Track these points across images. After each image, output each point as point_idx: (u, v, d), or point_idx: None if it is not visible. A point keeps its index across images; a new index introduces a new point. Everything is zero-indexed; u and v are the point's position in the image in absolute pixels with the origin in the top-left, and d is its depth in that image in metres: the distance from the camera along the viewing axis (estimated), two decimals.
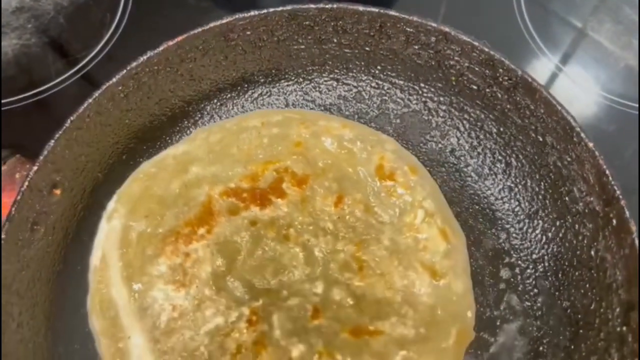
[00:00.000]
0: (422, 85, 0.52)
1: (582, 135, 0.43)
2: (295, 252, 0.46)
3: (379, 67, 0.52)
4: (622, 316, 0.40)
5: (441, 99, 0.52)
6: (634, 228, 0.39)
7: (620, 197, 0.40)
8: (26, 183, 0.43)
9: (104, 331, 0.45)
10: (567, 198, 0.46)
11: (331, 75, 0.54)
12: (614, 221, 0.41)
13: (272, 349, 0.42)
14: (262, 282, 0.45)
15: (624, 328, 0.40)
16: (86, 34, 0.63)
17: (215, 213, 0.47)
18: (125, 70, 0.47)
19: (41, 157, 0.44)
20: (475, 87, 0.49)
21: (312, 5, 0.49)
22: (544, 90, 0.44)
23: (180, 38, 0.48)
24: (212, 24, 0.48)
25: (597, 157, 0.42)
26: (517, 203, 0.49)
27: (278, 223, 0.47)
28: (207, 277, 0.45)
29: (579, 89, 0.63)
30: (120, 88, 0.47)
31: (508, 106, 0.48)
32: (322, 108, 0.54)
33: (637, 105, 0.61)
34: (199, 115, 0.53)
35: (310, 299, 0.44)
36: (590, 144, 0.42)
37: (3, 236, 0.42)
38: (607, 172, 0.41)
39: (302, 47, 0.52)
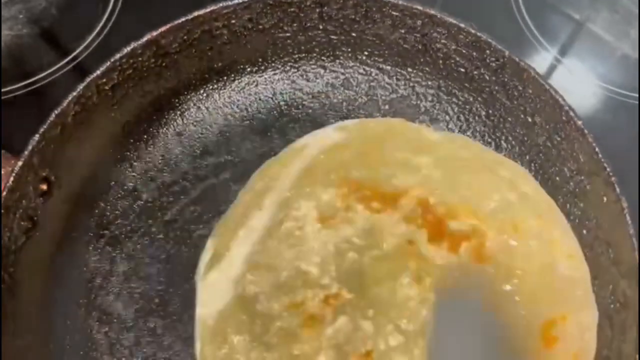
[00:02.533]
0: (409, 70, 0.52)
1: (571, 113, 0.43)
2: None
3: (366, 53, 0.52)
4: (615, 293, 0.40)
5: (429, 83, 0.52)
6: (624, 204, 0.39)
7: (611, 174, 0.40)
8: (11, 179, 0.43)
9: None
10: (557, 178, 0.46)
11: (318, 63, 0.53)
12: (605, 199, 0.41)
13: None
14: None
15: (617, 304, 0.40)
16: (78, 24, 0.62)
17: None
18: (109, 63, 0.46)
19: (26, 152, 0.44)
20: (462, 69, 0.49)
21: None
22: (531, 70, 0.44)
23: (163, 28, 0.47)
24: (195, 13, 0.48)
25: (587, 135, 0.42)
26: None
27: None
28: None
29: (577, 80, 0.63)
30: (104, 81, 0.47)
31: (496, 88, 0.48)
32: (310, 96, 0.54)
33: (635, 95, 0.61)
34: (186, 107, 0.53)
35: None
36: (579, 122, 0.42)
37: None
38: (597, 149, 0.41)
39: (288, 34, 0.51)
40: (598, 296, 0.41)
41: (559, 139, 0.45)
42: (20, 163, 0.43)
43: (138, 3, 0.64)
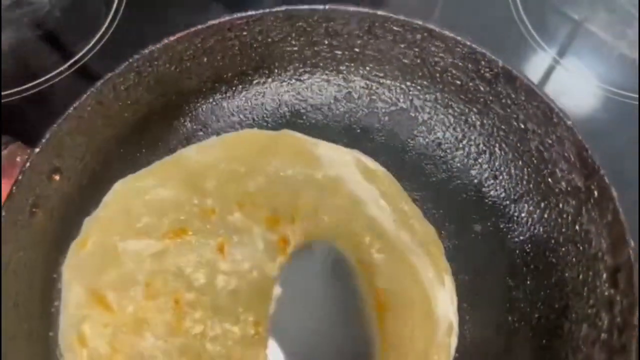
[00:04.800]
0: (408, 84, 0.55)
1: (561, 114, 0.46)
2: None
3: (367, 68, 0.56)
4: (609, 280, 0.42)
5: (427, 96, 0.55)
6: (614, 194, 0.42)
7: (600, 168, 0.43)
8: (28, 164, 0.44)
9: None
10: (549, 179, 0.48)
11: (323, 77, 0.57)
12: (596, 193, 0.44)
13: None
14: None
15: (612, 291, 0.41)
16: (82, 27, 0.65)
17: None
18: (127, 62, 0.49)
19: (43, 140, 0.45)
20: (458, 82, 0.52)
21: (305, 7, 0.52)
22: (524, 78, 0.48)
23: (180, 34, 0.50)
24: (210, 22, 0.51)
25: (576, 134, 0.45)
26: (502, 190, 0.52)
27: None
28: None
29: (575, 81, 0.65)
30: (121, 80, 0.49)
31: (490, 98, 0.51)
32: (314, 108, 0.57)
33: (634, 95, 0.63)
34: (195, 113, 0.55)
35: None
36: (569, 122, 0.45)
37: (3, 214, 0.42)
38: (586, 146, 0.44)
39: (295, 49, 0.55)
40: (593, 286, 0.43)
41: (550, 142, 0.47)
42: (37, 150, 0.45)
43: (140, 6, 0.67)
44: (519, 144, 0.50)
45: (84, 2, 0.66)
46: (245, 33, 0.53)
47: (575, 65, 0.67)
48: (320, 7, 0.52)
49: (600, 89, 0.65)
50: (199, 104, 0.55)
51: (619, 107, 0.63)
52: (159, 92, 0.52)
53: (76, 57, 0.63)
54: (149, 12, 0.67)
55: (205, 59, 0.53)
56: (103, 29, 0.64)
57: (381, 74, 0.55)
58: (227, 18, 0.51)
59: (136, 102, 0.51)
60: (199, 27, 0.51)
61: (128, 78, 0.50)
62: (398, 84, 0.55)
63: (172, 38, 0.50)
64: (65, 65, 0.62)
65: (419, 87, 0.55)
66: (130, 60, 0.49)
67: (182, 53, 0.51)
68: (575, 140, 0.45)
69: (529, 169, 0.50)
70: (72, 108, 0.47)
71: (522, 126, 0.50)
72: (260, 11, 0.52)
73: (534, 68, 0.46)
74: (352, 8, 0.51)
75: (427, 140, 0.55)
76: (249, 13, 0.51)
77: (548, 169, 0.48)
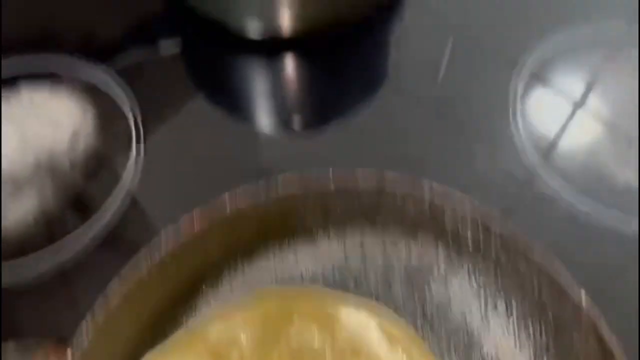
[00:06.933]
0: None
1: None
2: None
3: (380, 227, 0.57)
4: None
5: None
6: None
7: None
8: None
9: None
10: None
11: (337, 237, 0.58)
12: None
13: None
14: None
15: None
16: (102, 189, 0.64)
17: None
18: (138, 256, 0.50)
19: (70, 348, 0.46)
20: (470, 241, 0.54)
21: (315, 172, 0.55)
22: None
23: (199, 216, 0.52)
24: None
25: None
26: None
27: None
28: None
29: None
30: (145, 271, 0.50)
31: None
32: (332, 268, 0.58)
33: None
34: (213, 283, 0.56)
35: None
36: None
37: None
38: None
39: (309, 214, 0.57)
40: None
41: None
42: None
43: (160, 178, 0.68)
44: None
45: (103, 163, 0.66)
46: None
47: None
48: (329, 171, 0.55)
49: None
50: (217, 275, 0.56)
51: None
52: (179, 278, 0.54)
53: (99, 219, 0.62)
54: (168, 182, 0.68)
55: (221, 234, 0.55)
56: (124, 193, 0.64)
57: (396, 233, 0.57)
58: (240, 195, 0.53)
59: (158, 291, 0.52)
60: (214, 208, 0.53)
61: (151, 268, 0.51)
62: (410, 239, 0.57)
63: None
64: (88, 230, 0.61)
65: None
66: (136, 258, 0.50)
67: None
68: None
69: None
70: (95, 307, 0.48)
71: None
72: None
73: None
74: (361, 170, 0.54)
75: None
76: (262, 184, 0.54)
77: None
